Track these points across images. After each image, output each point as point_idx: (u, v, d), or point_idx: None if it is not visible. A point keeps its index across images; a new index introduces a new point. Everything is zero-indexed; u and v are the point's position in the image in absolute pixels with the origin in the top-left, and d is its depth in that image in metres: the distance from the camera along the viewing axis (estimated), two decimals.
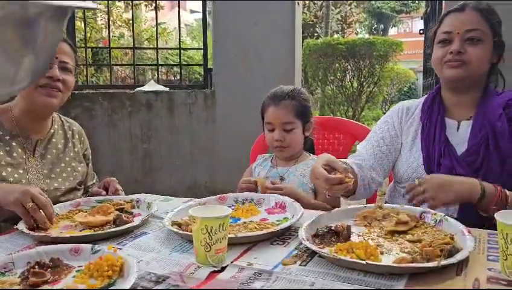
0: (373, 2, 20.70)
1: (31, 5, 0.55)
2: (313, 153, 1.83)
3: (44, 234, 1.20)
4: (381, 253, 1.00)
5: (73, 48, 1.62)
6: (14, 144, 1.53)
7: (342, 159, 1.51)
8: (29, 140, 1.57)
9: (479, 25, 1.40)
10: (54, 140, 1.64)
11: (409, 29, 24.78)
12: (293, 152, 1.73)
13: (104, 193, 1.61)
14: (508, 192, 1.26)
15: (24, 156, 1.54)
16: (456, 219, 1.16)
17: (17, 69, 0.61)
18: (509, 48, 1.47)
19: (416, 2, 20.90)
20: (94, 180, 1.79)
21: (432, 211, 1.21)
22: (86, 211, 1.38)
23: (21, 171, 1.51)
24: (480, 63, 1.40)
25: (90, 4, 0.73)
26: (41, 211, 1.23)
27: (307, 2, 13.81)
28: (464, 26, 1.40)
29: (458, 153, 1.41)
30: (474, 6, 1.42)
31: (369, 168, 1.53)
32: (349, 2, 16.44)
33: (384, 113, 1.73)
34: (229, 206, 1.24)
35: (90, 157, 1.80)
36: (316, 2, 14.56)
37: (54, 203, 1.31)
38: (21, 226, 1.23)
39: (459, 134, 1.45)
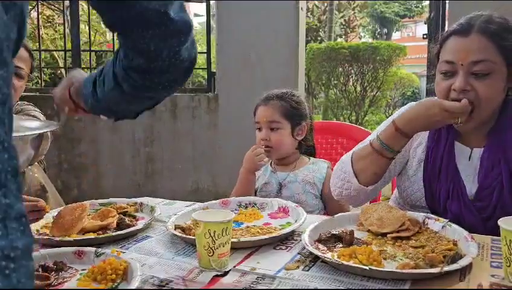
0: (376, 7, 20.73)
1: None
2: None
3: (48, 237, 1.20)
4: (384, 258, 1.00)
5: (31, 53, 1.59)
6: None
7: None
8: None
9: (487, 54, 1.16)
10: None
11: (412, 34, 24.77)
12: (279, 155, 1.69)
13: None
14: None
15: None
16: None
17: None
18: None
19: (420, 6, 20.92)
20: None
21: (435, 217, 1.21)
22: (90, 215, 1.39)
23: None
24: (490, 99, 1.19)
25: None
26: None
27: (311, 6, 13.84)
28: (468, 57, 1.17)
29: (468, 191, 1.24)
30: (481, 29, 1.17)
31: None
32: (352, 6, 16.47)
33: (388, 117, 1.52)
34: (232, 211, 1.24)
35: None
36: (319, 6, 14.59)
37: None
38: None
39: (471, 163, 1.27)
